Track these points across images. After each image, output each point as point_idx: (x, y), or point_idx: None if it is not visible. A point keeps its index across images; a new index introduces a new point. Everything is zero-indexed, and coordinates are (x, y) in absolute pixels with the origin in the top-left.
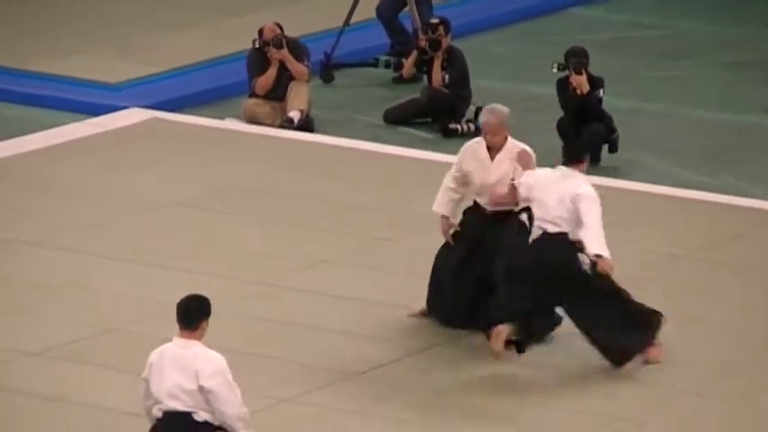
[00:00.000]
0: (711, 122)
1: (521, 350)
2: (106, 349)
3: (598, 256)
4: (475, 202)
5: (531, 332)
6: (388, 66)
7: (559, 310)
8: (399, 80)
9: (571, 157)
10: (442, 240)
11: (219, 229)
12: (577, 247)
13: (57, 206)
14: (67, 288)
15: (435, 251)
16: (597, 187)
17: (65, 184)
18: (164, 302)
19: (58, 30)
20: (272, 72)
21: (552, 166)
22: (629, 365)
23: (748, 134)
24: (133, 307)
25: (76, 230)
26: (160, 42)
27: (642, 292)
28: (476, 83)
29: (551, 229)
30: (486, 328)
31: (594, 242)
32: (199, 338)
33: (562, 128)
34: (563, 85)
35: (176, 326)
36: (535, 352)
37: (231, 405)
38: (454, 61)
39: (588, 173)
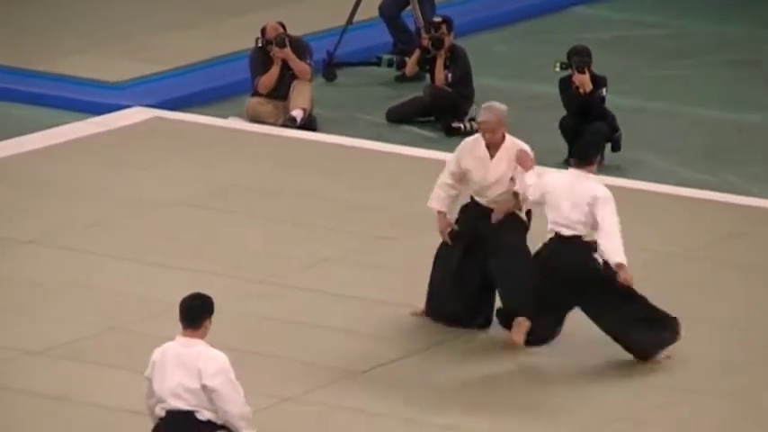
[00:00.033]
0: (713, 121)
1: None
2: (108, 348)
3: (619, 265)
4: (472, 198)
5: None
6: (390, 64)
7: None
8: (402, 79)
9: (583, 158)
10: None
11: (222, 227)
12: (592, 248)
13: (58, 205)
14: (69, 287)
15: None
16: None
17: (66, 183)
18: (166, 301)
19: (60, 29)
20: (274, 71)
21: (557, 165)
22: (654, 359)
23: (749, 133)
24: (135, 306)
25: (78, 229)
26: (162, 41)
27: (644, 291)
28: (478, 81)
29: (565, 232)
30: (484, 324)
31: (616, 251)
32: (201, 337)
33: (565, 127)
34: (566, 84)
35: (179, 325)
36: (536, 352)
37: (234, 404)
38: (457, 60)
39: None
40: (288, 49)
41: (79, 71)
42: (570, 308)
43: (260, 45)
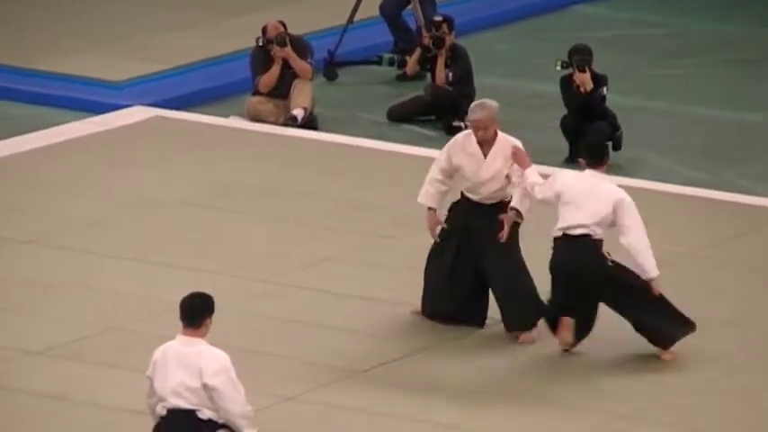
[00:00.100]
0: (713, 120)
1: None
2: (109, 348)
3: (653, 280)
4: (463, 194)
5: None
6: (391, 63)
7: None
8: (403, 78)
9: (596, 159)
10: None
11: (223, 227)
12: (599, 246)
13: (59, 205)
14: (69, 287)
15: None
16: None
17: (67, 182)
18: (167, 301)
19: (60, 29)
20: (275, 70)
21: (558, 164)
22: (669, 352)
23: (750, 132)
24: (136, 305)
25: (78, 229)
26: (163, 41)
27: None
28: (479, 80)
29: (576, 231)
30: (479, 322)
31: (652, 267)
32: (202, 336)
33: (566, 126)
34: (567, 83)
35: (180, 324)
36: (538, 350)
37: (235, 403)
38: (458, 59)
39: None
40: (288, 49)
41: (80, 70)
42: (592, 300)
43: (261, 44)
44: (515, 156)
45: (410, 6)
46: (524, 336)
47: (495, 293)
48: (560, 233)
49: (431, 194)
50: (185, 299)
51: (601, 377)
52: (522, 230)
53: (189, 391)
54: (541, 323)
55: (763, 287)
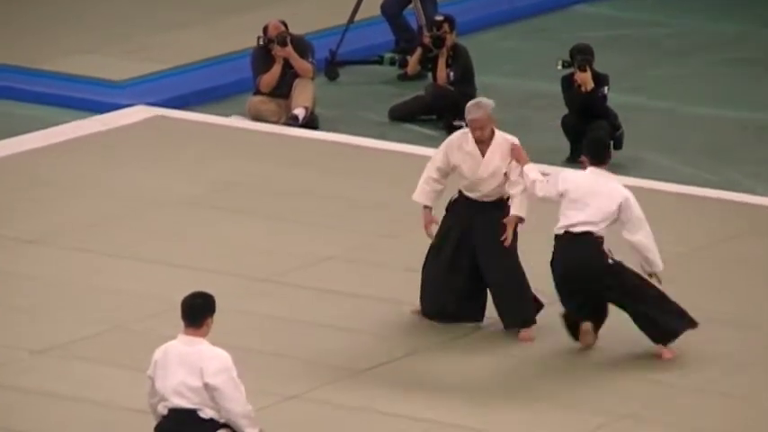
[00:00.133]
0: (714, 119)
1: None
2: (110, 347)
3: (657, 272)
4: (461, 192)
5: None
6: (392, 63)
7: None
8: (404, 77)
9: (599, 157)
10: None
11: (224, 226)
12: (600, 243)
13: (60, 204)
14: (71, 286)
15: None
16: None
17: (68, 181)
18: (168, 300)
19: (62, 29)
20: (276, 69)
21: (559, 163)
22: (669, 349)
23: (751, 131)
24: (137, 305)
25: (80, 228)
26: (164, 40)
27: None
28: (480, 80)
29: (578, 229)
30: (477, 318)
31: (658, 261)
32: (204, 336)
33: (567, 125)
34: (568, 82)
35: (181, 323)
36: (538, 349)
37: (236, 402)
38: (459, 58)
39: None
40: (289, 48)
41: (81, 70)
42: (596, 298)
43: (262, 44)
44: (513, 153)
45: (411, 6)
46: (523, 333)
47: (492, 292)
48: (562, 231)
49: (426, 193)
50: (186, 298)
51: (601, 377)
52: (519, 226)
53: (190, 390)
54: (540, 321)
55: (764, 287)
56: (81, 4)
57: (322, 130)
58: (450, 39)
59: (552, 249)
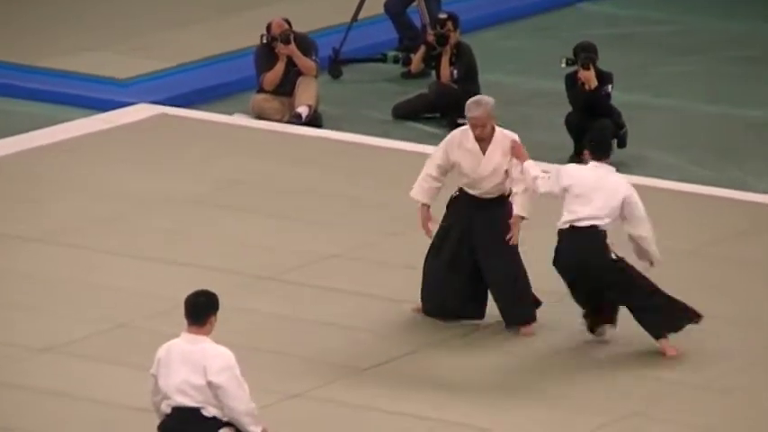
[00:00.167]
0: (719, 118)
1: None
2: (113, 345)
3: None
4: (462, 189)
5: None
6: (396, 61)
7: None
8: (408, 75)
9: (602, 152)
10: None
11: (227, 224)
12: (605, 237)
13: (63, 202)
14: (74, 284)
15: None
16: None
17: (71, 180)
18: (171, 298)
19: (65, 26)
20: (279, 67)
21: (563, 161)
22: (667, 344)
23: (756, 129)
24: (140, 303)
25: (83, 226)
26: (167, 38)
27: None
28: (484, 78)
29: (583, 223)
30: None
31: (657, 252)
32: (207, 334)
33: (570, 123)
34: (571, 81)
35: (184, 321)
36: (539, 348)
37: (239, 400)
38: (462, 56)
39: None
40: (293, 46)
41: (85, 68)
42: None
43: (265, 42)
44: (513, 150)
45: (415, 4)
46: (524, 329)
47: (492, 291)
48: (567, 225)
49: (425, 190)
50: (190, 297)
51: (603, 375)
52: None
53: (193, 388)
54: (542, 319)
55: (766, 285)
56: (85, 2)
57: (325, 128)
58: (454, 37)
59: (555, 246)
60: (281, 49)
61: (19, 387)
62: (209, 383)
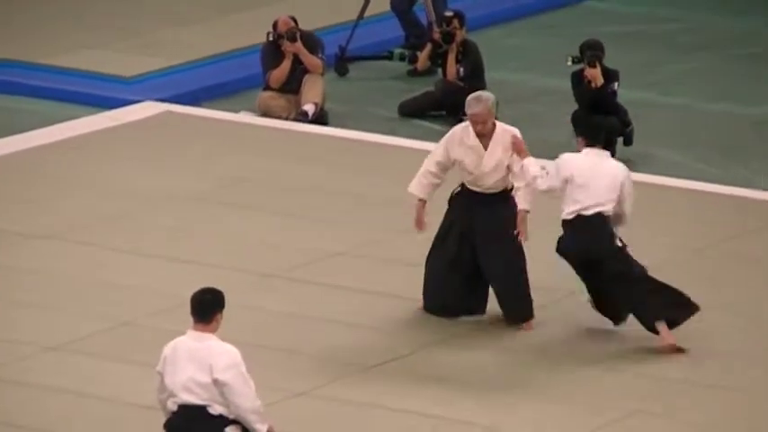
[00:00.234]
0: (727, 115)
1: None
2: (119, 343)
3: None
4: (464, 186)
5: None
6: (402, 59)
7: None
8: (414, 73)
9: (595, 138)
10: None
11: (232, 222)
12: (610, 224)
13: (69, 200)
14: (80, 281)
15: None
16: None
17: (77, 177)
18: (177, 296)
19: (70, 24)
20: (286, 65)
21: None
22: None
23: (761, 127)
24: (146, 300)
25: (90, 224)
26: (173, 36)
27: None
28: (490, 76)
29: (589, 211)
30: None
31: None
32: (213, 331)
33: (577, 120)
34: (578, 78)
35: (189, 319)
36: (544, 346)
37: (246, 398)
38: (468, 54)
39: None
40: (299, 44)
41: (90, 66)
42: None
43: (271, 39)
44: (514, 145)
45: (421, 1)
46: (524, 325)
47: (495, 287)
48: (573, 215)
49: (423, 185)
50: (196, 294)
51: (605, 373)
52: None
53: (199, 386)
54: (544, 318)
55: None
56: (90, 0)
57: (331, 125)
58: (460, 34)
59: (560, 236)
60: (287, 46)
61: (24, 384)
62: (215, 381)
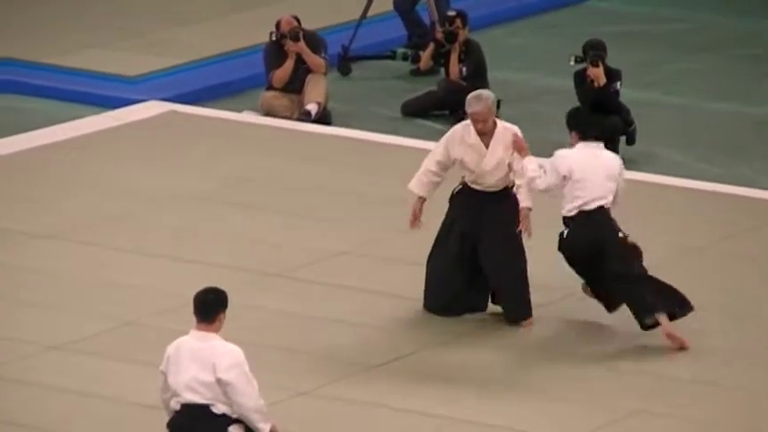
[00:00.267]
0: (730, 115)
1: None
2: (122, 342)
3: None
4: (465, 184)
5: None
6: (405, 58)
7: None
8: (417, 73)
9: (588, 131)
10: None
11: (236, 221)
12: (613, 217)
13: (73, 199)
14: (83, 281)
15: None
16: None
17: (81, 177)
18: (181, 295)
19: (74, 24)
20: (289, 65)
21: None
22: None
23: (764, 127)
24: (149, 300)
25: (93, 223)
26: (177, 35)
27: None
28: (493, 75)
29: (591, 206)
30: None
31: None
32: (216, 331)
33: None
34: (580, 78)
35: (193, 318)
36: (546, 345)
37: (249, 397)
38: (471, 54)
39: None
40: (302, 43)
41: (94, 65)
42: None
43: (274, 39)
44: (515, 143)
45: (424, 1)
46: (525, 322)
47: (494, 288)
48: (576, 211)
49: (423, 183)
50: (199, 294)
51: (606, 372)
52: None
53: (203, 385)
54: (546, 317)
55: None
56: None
57: (334, 125)
58: (463, 34)
59: (562, 231)
60: (290, 46)
61: (27, 384)
62: (219, 380)
